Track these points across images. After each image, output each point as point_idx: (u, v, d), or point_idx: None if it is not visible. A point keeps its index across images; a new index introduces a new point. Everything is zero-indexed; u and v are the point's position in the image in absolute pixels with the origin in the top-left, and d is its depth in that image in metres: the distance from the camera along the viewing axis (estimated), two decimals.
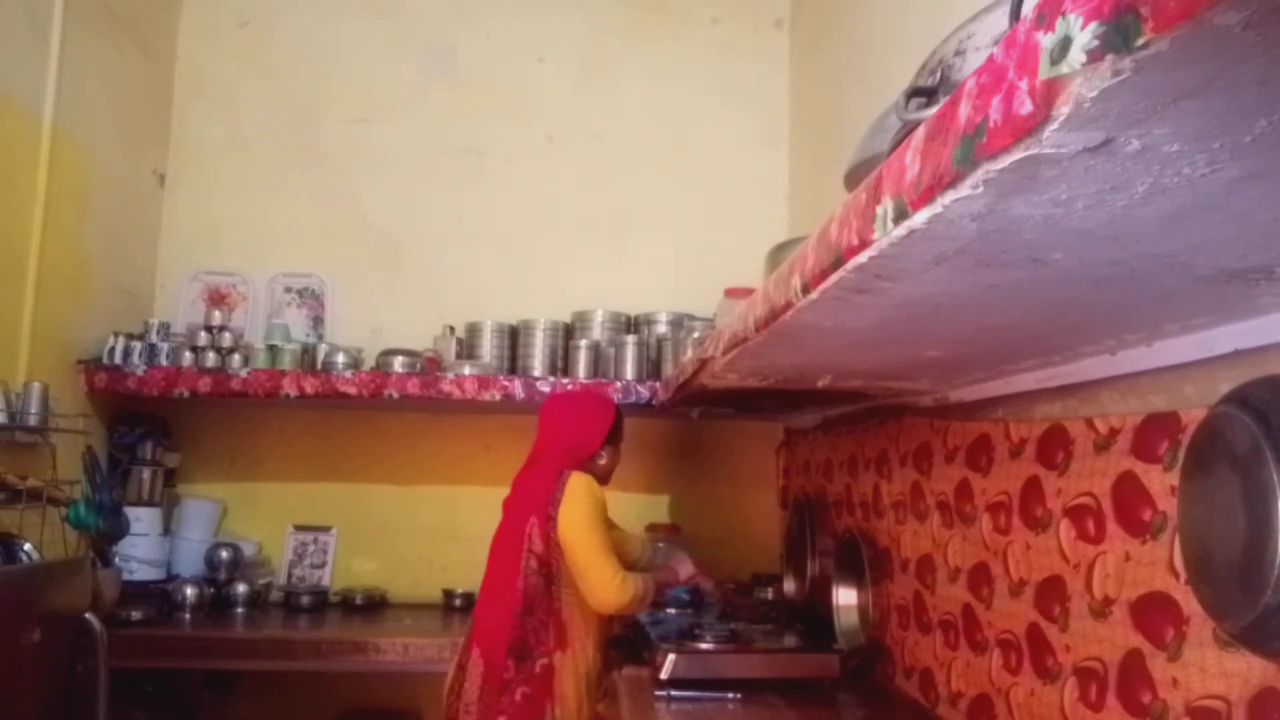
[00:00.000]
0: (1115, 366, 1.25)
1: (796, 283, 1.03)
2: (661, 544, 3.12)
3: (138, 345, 2.79)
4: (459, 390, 2.82)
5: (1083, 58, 0.48)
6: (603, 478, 2.32)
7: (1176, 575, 1.12)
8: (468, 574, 3.02)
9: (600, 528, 2.17)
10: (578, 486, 2.17)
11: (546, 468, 2.24)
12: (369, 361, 3.00)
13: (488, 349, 3.09)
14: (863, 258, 0.84)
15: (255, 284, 3.24)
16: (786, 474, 3.25)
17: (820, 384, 1.80)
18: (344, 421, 3.24)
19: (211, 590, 2.83)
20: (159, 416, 3.03)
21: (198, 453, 3.18)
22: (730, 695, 1.96)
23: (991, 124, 0.59)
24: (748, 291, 1.86)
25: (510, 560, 2.17)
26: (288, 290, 3.27)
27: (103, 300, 2.88)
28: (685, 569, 2.44)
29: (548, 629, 2.13)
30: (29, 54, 2.48)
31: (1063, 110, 0.52)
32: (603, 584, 2.10)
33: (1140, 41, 0.44)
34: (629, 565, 2.28)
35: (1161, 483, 1.17)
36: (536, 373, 3.03)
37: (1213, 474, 0.95)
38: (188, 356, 2.83)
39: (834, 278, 0.92)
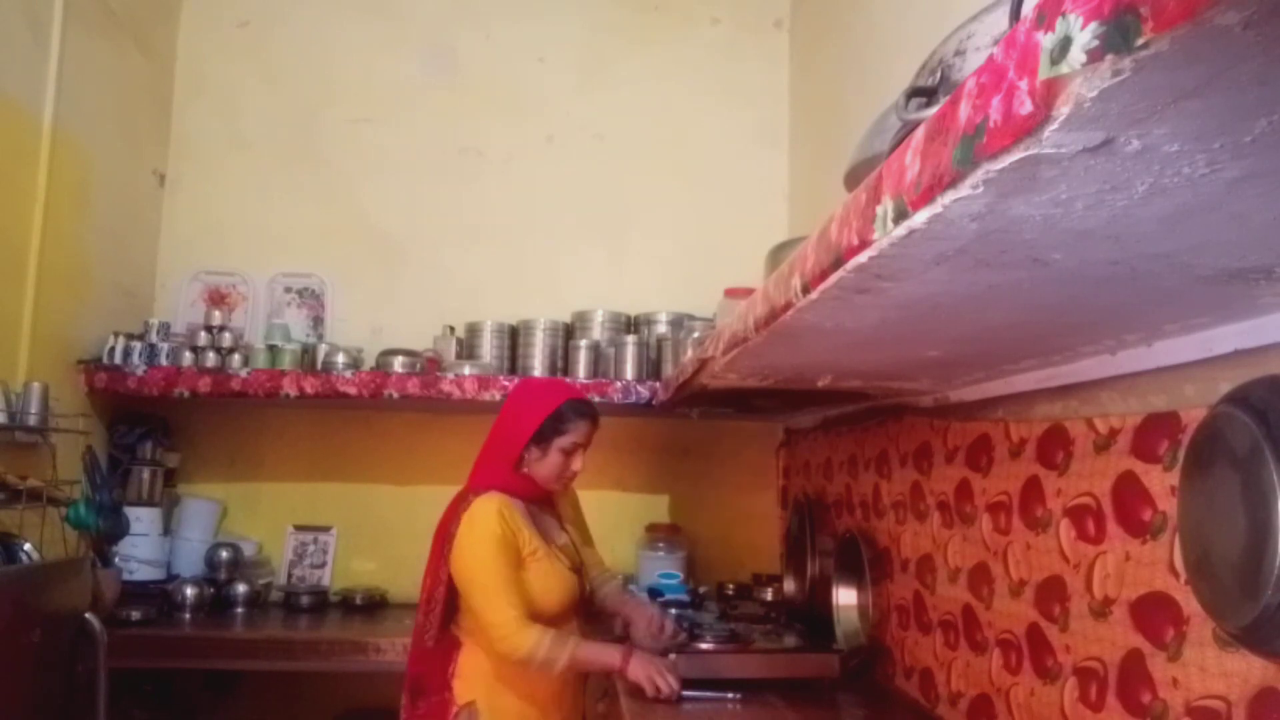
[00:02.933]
0: (1115, 366, 1.25)
1: (796, 283, 1.03)
2: (662, 546, 3.12)
3: (138, 345, 2.79)
4: (459, 390, 2.82)
5: (1083, 58, 0.48)
6: (539, 486, 2.05)
7: (1176, 575, 1.12)
8: None
9: (495, 563, 1.87)
10: (473, 515, 1.91)
11: (471, 480, 2.04)
12: (369, 361, 3.00)
13: (488, 349, 3.09)
14: (863, 258, 0.84)
15: (255, 284, 3.24)
16: (786, 474, 3.25)
17: (820, 384, 1.80)
18: (344, 421, 3.24)
19: (211, 590, 2.83)
20: (159, 416, 3.03)
21: (198, 453, 3.18)
22: (730, 695, 1.96)
23: (991, 124, 0.59)
24: (748, 291, 1.86)
25: (422, 597, 2.01)
26: (288, 290, 3.27)
27: (103, 300, 2.88)
28: (631, 662, 1.92)
29: (446, 669, 1.95)
30: (29, 54, 2.48)
31: (1063, 110, 0.52)
32: (495, 629, 1.85)
33: (1140, 41, 0.45)
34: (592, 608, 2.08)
35: (1161, 483, 1.17)
36: (536, 373, 3.03)
37: (1213, 474, 0.95)
38: (188, 356, 2.83)
39: (834, 278, 0.92)
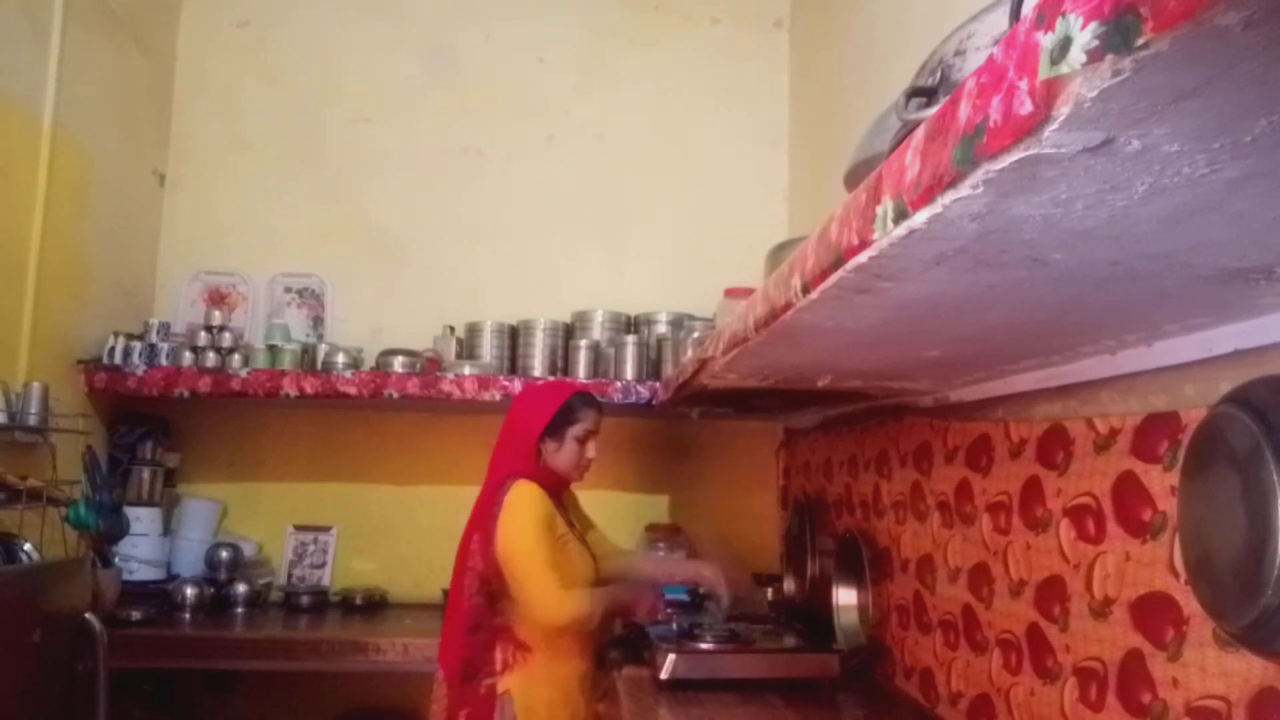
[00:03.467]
0: (1115, 366, 1.25)
1: (796, 283, 1.03)
2: (662, 546, 3.13)
3: (138, 345, 2.79)
4: (459, 390, 2.82)
5: (1083, 58, 0.48)
6: (560, 477, 2.17)
7: (1176, 575, 1.12)
8: None
9: (540, 542, 2.01)
10: (516, 498, 2.03)
11: (493, 475, 2.13)
12: (369, 361, 3.00)
13: (488, 349, 3.09)
14: (863, 258, 0.84)
15: (255, 284, 3.24)
16: (786, 474, 3.25)
17: (820, 384, 1.80)
18: (344, 421, 3.24)
19: (211, 590, 2.83)
20: (159, 416, 3.03)
21: (198, 453, 3.18)
22: (730, 695, 1.96)
23: (991, 124, 0.59)
24: (748, 291, 1.86)
25: (458, 577, 2.08)
26: (288, 290, 3.27)
27: (103, 300, 2.88)
28: (644, 600, 2.17)
29: (493, 650, 2.02)
30: (29, 54, 2.48)
31: (1063, 110, 0.52)
32: (541, 602, 1.98)
33: (1140, 41, 0.44)
34: (600, 578, 2.18)
35: (1161, 483, 1.17)
36: (536, 373, 3.03)
37: (1213, 474, 0.95)
38: (188, 356, 2.83)
39: (834, 278, 0.92)
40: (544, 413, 2.13)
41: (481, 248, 3.36)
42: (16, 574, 2.05)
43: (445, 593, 3.03)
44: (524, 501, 2.03)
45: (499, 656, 2.02)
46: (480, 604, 2.03)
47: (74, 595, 2.06)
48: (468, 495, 3.19)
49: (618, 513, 3.27)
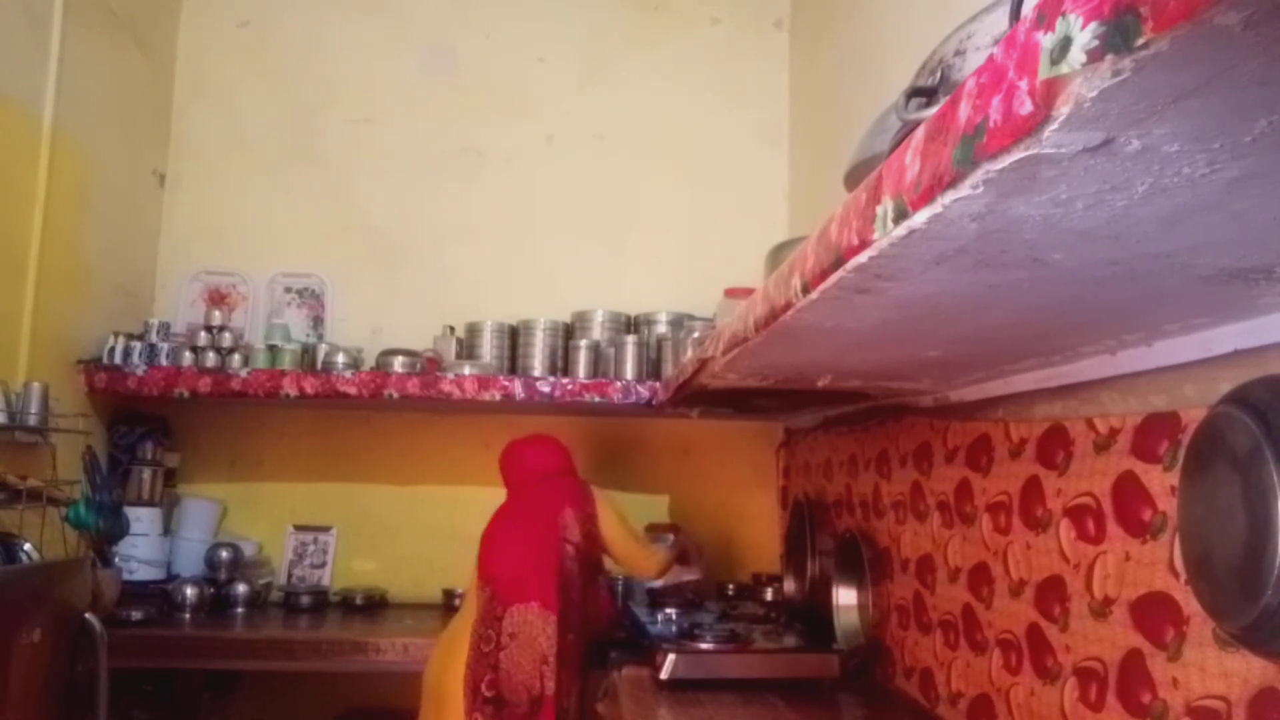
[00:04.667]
0: (1115, 366, 1.25)
1: (796, 283, 1.03)
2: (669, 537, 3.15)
3: (138, 345, 2.78)
4: (459, 390, 2.82)
5: (1083, 58, 0.48)
6: None
7: (1176, 575, 1.12)
8: (468, 574, 3.02)
9: (627, 523, 2.50)
10: (607, 497, 2.49)
11: (558, 480, 2.45)
12: (369, 361, 2.99)
13: (488, 349, 3.08)
14: (863, 258, 0.84)
15: (255, 284, 3.24)
16: (786, 474, 3.25)
17: (820, 384, 1.80)
18: (344, 421, 3.24)
19: (211, 590, 2.82)
20: (159, 416, 3.03)
21: (198, 453, 3.18)
22: (730, 695, 1.96)
23: (991, 124, 0.59)
24: (748, 291, 1.86)
25: (544, 544, 2.28)
26: (288, 290, 3.27)
27: (103, 300, 2.88)
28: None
29: (575, 611, 2.25)
30: (29, 54, 2.48)
31: (1063, 110, 0.52)
32: (646, 558, 2.51)
33: (1140, 41, 0.45)
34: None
35: (1161, 483, 1.17)
36: (536, 373, 3.03)
37: (1213, 474, 0.95)
38: (188, 356, 2.83)
39: (834, 278, 0.92)
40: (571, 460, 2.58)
41: (481, 248, 3.36)
42: (16, 574, 2.05)
43: (446, 593, 3.05)
44: (612, 499, 2.50)
45: (577, 621, 2.26)
46: (572, 570, 2.27)
47: (74, 595, 2.06)
48: (468, 495, 3.23)
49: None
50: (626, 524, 2.49)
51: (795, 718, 1.85)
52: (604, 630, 2.45)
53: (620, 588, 3.05)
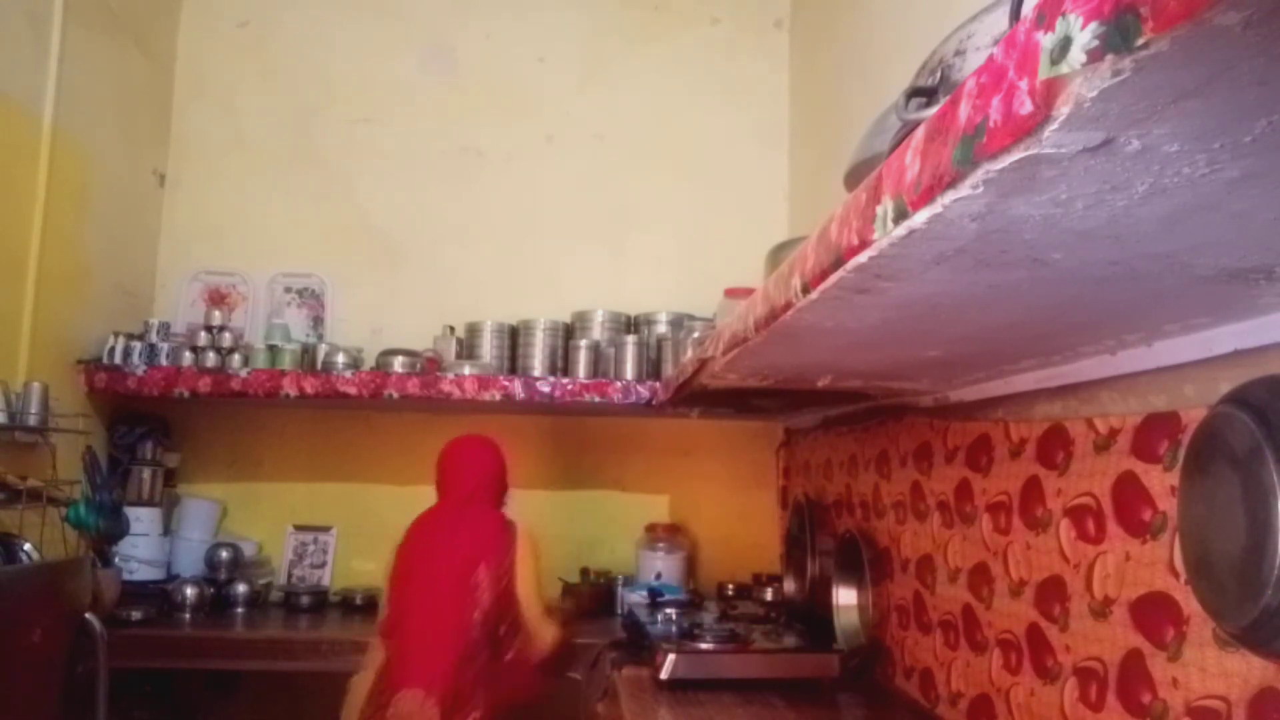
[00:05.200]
0: (1115, 366, 1.25)
1: (796, 283, 1.03)
2: (662, 546, 3.16)
3: (138, 345, 2.79)
4: (459, 390, 2.82)
5: (1083, 58, 0.48)
6: None
7: (1176, 575, 1.12)
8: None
9: (540, 581, 2.29)
10: (529, 544, 2.26)
11: (483, 510, 2.30)
12: (369, 361, 3.00)
13: (488, 349, 3.08)
14: (863, 258, 0.84)
15: (255, 284, 3.24)
16: (786, 474, 3.25)
17: (820, 384, 1.80)
18: (344, 421, 3.24)
19: (211, 590, 2.82)
20: (159, 416, 3.03)
21: (198, 453, 3.18)
22: (730, 695, 1.96)
23: (991, 124, 0.59)
24: (748, 291, 1.86)
25: (455, 606, 2.12)
26: (288, 290, 3.27)
27: (103, 300, 2.88)
28: None
29: (479, 684, 2.08)
30: (29, 54, 2.48)
31: (1063, 110, 0.52)
32: (546, 629, 2.24)
33: (1140, 41, 0.44)
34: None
35: (1161, 483, 1.17)
36: (536, 373, 3.03)
37: (1213, 474, 0.95)
38: (188, 356, 2.83)
39: (834, 278, 0.92)
40: (506, 473, 2.39)
41: (481, 248, 3.36)
42: (16, 574, 2.05)
43: None
44: (534, 546, 2.26)
45: (481, 693, 2.09)
46: (479, 638, 2.11)
47: (74, 595, 2.06)
48: None
49: (618, 513, 3.27)
50: (540, 583, 2.28)
51: (795, 718, 1.85)
52: (522, 695, 2.19)
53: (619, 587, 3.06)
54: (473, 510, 2.30)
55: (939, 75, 0.96)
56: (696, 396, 2.20)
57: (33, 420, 2.34)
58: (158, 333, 2.86)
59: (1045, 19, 0.52)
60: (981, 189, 0.64)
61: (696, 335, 2.61)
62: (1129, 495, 1.23)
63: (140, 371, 2.74)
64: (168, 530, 2.99)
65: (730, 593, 3.09)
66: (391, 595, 2.25)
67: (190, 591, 2.76)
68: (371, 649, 2.25)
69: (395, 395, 2.80)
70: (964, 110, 0.63)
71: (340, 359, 2.90)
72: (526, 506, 3.26)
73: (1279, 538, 0.84)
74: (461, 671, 2.07)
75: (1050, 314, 1.06)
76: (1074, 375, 1.35)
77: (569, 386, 2.88)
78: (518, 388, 2.85)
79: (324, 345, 3.03)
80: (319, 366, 2.90)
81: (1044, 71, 0.52)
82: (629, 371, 2.97)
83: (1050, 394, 1.45)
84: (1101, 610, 1.28)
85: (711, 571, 3.24)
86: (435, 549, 2.23)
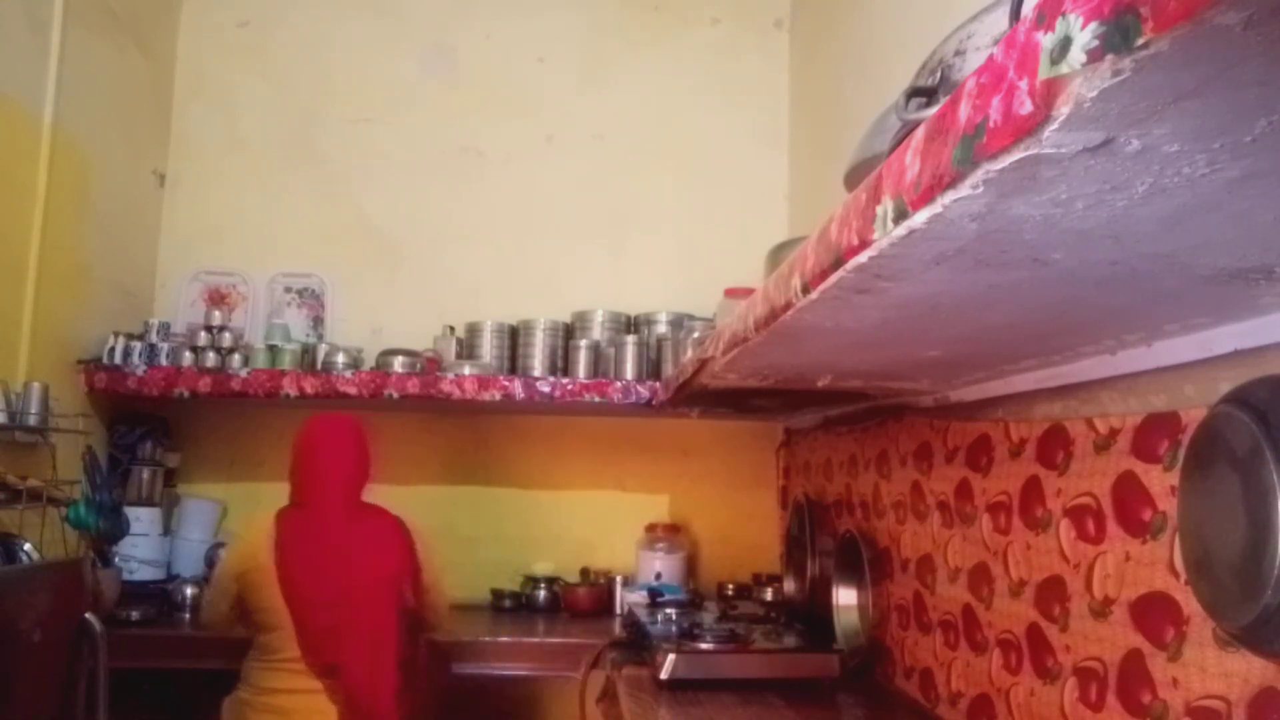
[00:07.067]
0: (1115, 366, 1.25)
1: (796, 283, 1.03)
2: (662, 546, 3.15)
3: (138, 345, 2.79)
4: (459, 390, 2.82)
5: (1083, 58, 0.48)
6: None
7: (1176, 575, 1.12)
8: (467, 575, 3.02)
9: None
10: (423, 538, 2.29)
11: (375, 512, 2.27)
12: (369, 361, 3.00)
13: (488, 349, 3.08)
14: (863, 258, 0.84)
15: (255, 284, 3.24)
16: (786, 474, 3.25)
17: (820, 384, 1.80)
18: None
19: None
20: (159, 416, 3.03)
21: (198, 453, 3.18)
22: (730, 695, 1.96)
23: (991, 124, 0.59)
24: (748, 291, 1.86)
25: (387, 614, 2.12)
26: (288, 290, 3.27)
27: (103, 300, 2.88)
28: None
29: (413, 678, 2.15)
30: (29, 54, 2.48)
31: (1063, 110, 0.52)
32: (448, 617, 2.35)
33: (1140, 41, 0.44)
34: None
35: (1161, 483, 1.17)
36: (536, 373, 3.03)
37: (1213, 474, 0.95)
38: (188, 356, 2.83)
39: (834, 278, 0.92)
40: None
41: (481, 248, 3.36)
42: (16, 574, 2.05)
43: None
44: (426, 539, 2.28)
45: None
46: (406, 639, 2.15)
47: (74, 595, 2.06)
48: (468, 495, 3.23)
49: (618, 513, 3.27)
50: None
51: (795, 718, 1.85)
52: (440, 688, 2.25)
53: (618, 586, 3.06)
54: (366, 515, 2.23)
55: (939, 75, 0.96)
56: (696, 396, 2.20)
57: (33, 420, 2.34)
58: (158, 333, 2.86)
59: (1045, 19, 0.52)
60: (981, 189, 0.64)
61: (696, 335, 2.61)
62: (1129, 495, 1.23)
63: (140, 372, 2.74)
64: (168, 530, 2.98)
65: (730, 593, 3.09)
66: (305, 625, 2.08)
67: (190, 591, 2.76)
68: (299, 696, 2.12)
69: (395, 395, 2.80)
70: (964, 110, 0.63)
71: (340, 359, 2.90)
72: (527, 506, 3.28)
73: (1279, 538, 0.84)
74: (399, 679, 2.09)
75: (1050, 314, 1.06)
76: (1074, 375, 1.35)
77: (569, 386, 2.88)
78: (518, 388, 2.85)
79: (324, 345, 3.03)
80: (319, 366, 2.90)
81: (1044, 71, 0.52)
82: (629, 371, 2.97)
83: (1050, 394, 1.45)
84: (1101, 610, 1.28)
85: (711, 571, 3.24)
86: (352, 568, 2.11)
